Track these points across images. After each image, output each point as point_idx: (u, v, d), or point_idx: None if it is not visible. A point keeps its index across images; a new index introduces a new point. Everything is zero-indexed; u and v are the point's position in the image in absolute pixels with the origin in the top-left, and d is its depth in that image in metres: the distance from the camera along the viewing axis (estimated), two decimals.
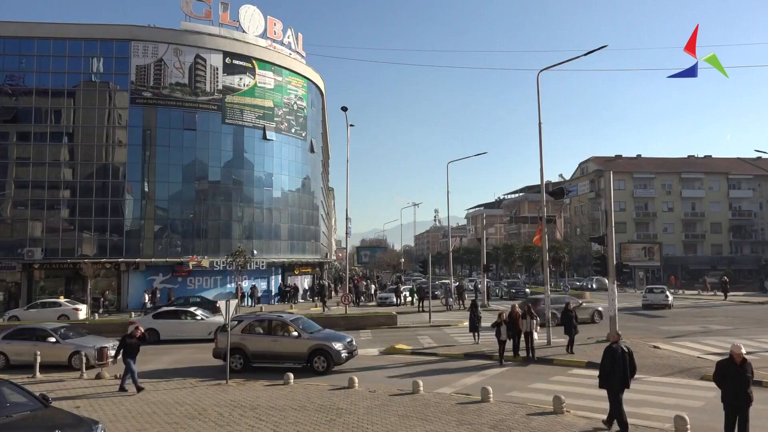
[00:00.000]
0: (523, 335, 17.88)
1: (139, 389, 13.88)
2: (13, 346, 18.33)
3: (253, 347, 17.09)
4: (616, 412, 10.10)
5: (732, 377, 8.90)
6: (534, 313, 17.97)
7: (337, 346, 16.77)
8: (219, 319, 25.22)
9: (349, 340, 17.60)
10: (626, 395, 12.80)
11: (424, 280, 47.10)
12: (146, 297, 38.18)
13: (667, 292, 36.46)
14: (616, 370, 10.15)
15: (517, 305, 18.38)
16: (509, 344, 17.98)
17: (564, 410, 11.22)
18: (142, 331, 14.89)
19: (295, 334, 17.03)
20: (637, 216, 73.58)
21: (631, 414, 11.38)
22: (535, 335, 17.80)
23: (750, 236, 75.31)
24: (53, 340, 18.15)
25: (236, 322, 17.72)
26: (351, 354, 17.25)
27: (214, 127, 46.54)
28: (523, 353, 18.03)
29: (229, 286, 44.25)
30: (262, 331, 17.45)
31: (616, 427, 10.19)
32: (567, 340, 18.89)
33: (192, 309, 26.29)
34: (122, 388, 14.08)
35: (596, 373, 11.04)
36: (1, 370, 17.64)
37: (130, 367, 14.02)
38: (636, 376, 14.70)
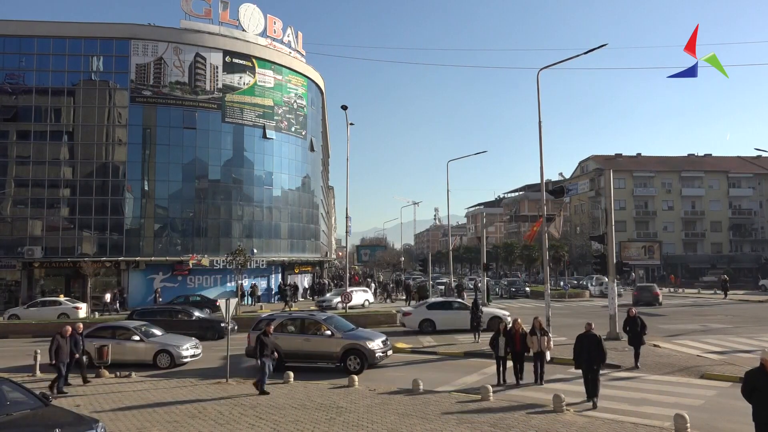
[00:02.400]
0: (532, 354, 14.11)
1: (263, 392, 13.28)
2: (96, 344, 17.75)
3: (286, 346, 16.53)
4: (588, 387, 12.19)
5: (764, 390, 7.50)
6: (545, 329, 14.48)
7: (372, 345, 16.33)
8: (494, 309, 26.25)
9: (383, 339, 17.12)
10: (626, 394, 12.98)
11: (423, 279, 47.13)
12: (108, 296, 37.55)
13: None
14: (583, 352, 12.26)
15: (519, 320, 14.87)
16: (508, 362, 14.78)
17: (564, 409, 11.22)
18: (272, 329, 14.66)
19: (328, 333, 16.57)
20: (637, 214, 73.58)
21: (631, 412, 11.42)
22: (548, 355, 14.18)
23: (750, 235, 75.32)
24: (137, 338, 17.95)
25: (268, 321, 17.42)
26: (386, 354, 16.79)
27: (214, 126, 46.53)
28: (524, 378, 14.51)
29: (229, 285, 44.26)
30: (294, 330, 17.07)
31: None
32: (633, 353, 15.89)
33: (461, 300, 27.73)
34: (263, 391, 13.33)
35: None
36: (99, 368, 17.16)
37: (266, 368, 13.56)
38: (636, 374, 14.96)
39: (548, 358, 14.17)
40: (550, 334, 14.57)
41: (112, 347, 17.83)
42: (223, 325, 21.95)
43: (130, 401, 12.90)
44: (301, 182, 54.29)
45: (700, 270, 68.53)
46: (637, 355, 15.75)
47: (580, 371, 12.58)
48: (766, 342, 20.20)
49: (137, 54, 44.72)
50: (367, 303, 38.86)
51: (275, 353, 14.21)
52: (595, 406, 11.71)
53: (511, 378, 14.38)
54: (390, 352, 17.32)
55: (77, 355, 14.55)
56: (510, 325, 15.01)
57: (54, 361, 13.73)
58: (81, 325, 15.70)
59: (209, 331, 24.08)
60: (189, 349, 18.11)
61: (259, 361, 13.63)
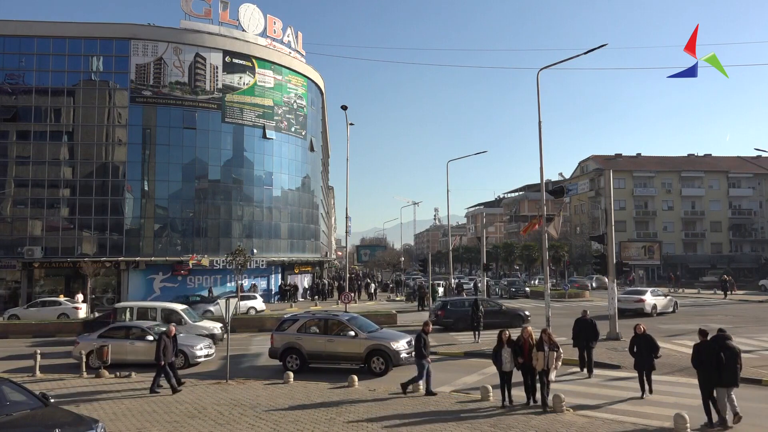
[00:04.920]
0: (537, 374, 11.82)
1: (430, 392, 12.80)
2: (96, 344, 17.66)
3: (309, 347, 16.45)
4: (582, 361, 15.21)
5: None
6: (554, 342, 11.81)
7: (396, 346, 16.02)
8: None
9: (408, 339, 16.81)
10: (626, 394, 13.00)
11: (423, 279, 47.12)
12: (79, 297, 36.90)
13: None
14: (581, 333, 15.28)
15: (529, 327, 12.38)
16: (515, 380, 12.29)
17: (564, 409, 11.22)
18: (431, 326, 14.50)
19: (352, 333, 16.33)
20: (636, 215, 73.58)
21: (631, 412, 11.43)
22: (552, 375, 11.70)
23: (750, 235, 75.33)
24: (151, 338, 17.63)
25: (292, 321, 17.39)
26: (410, 354, 16.26)
27: (214, 126, 46.54)
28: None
29: (229, 285, 44.25)
30: (317, 331, 16.82)
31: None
32: (639, 379, 12.77)
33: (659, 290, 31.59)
34: (430, 392, 12.87)
35: (597, 371, 15.30)
36: (98, 368, 16.86)
37: (425, 368, 13.05)
38: (635, 375, 14.89)
39: (552, 378, 11.70)
40: (560, 350, 11.91)
41: (126, 347, 17.82)
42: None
43: (129, 401, 12.90)
44: (301, 182, 54.29)
45: (700, 270, 68.53)
46: (649, 382, 12.64)
47: (582, 372, 14.72)
48: (765, 342, 20.20)
49: (137, 54, 44.72)
50: (253, 312, 34.12)
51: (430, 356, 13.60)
52: (589, 376, 14.76)
53: (518, 399, 12.04)
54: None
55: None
56: (516, 334, 12.68)
57: (162, 362, 13.57)
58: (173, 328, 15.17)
59: (516, 319, 25.16)
60: (203, 348, 17.93)
61: (422, 361, 13.02)
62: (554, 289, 44.76)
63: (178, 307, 22.93)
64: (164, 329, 18.92)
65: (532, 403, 11.83)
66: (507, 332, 12.23)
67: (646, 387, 12.63)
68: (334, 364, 16.49)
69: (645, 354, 12.43)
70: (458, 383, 14.72)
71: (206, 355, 18.04)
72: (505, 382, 11.93)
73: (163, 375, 13.75)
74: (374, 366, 16.00)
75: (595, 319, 16.18)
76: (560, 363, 12.01)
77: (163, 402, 12.77)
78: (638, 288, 35.99)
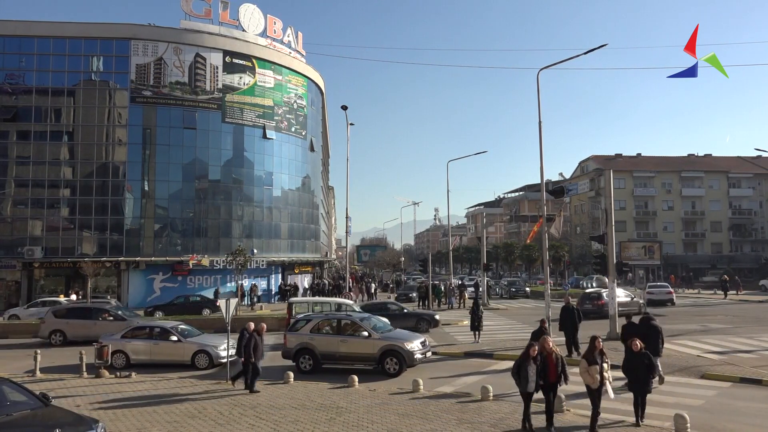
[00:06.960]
0: (588, 391, 10.13)
1: (529, 397, 12.43)
2: (133, 344, 17.78)
3: (323, 348, 16.34)
4: (569, 344, 17.30)
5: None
6: (604, 352, 10.19)
7: (410, 346, 15.88)
8: None
9: (422, 339, 16.76)
10: (626, 394, 12.93)
11: (423, 278, 47.14)
12: (73, 297, 36.13)
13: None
14: (567, 319, 17.69)
15: (548, 338, 10.69)
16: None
17: (564, 409, 11.21)
18: (546, 323, 14.58)
19: (365, 333, 16.20)
20: (637, 215, 73.55)
21: (631, 413, 11.37)
22: (610, 390, 10.11)
23: (750, 235, 75.29)
24: (175, 338, 17.70)
25: (305, 321, 17.28)
26: (425, 355, 16.36)
27: (214, 126, 46.55)
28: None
29: (229, 285, 44.24)
30: (330, 331, 16.72)
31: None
32: (634, 403, 10.57)
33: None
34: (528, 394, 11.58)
35: None
36: (122, 368, 16.99)
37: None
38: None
39: (611, 395, 10.06)
40: (608, 361, 10.24)
41: (150, 348, 17.77)
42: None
43: (130, 401, 12.90)
44: (301, 182, 54.30)
45: (700, 270, 68.49)
46: (642, 406, 10.55)
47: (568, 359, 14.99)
48: (765, 342, 20.19)
49: (137, 54, 44.72)
50: None
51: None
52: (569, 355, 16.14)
53: (537, 421, 10.35)
54: (429, 354, 16.76)
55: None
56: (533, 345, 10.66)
57: (252, 359, 13.54)
58: (253, 325, 14.67)
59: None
60: (226, 349, 17.72)
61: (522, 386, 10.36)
62: (554, 289, 44.76)
63: (349, 302, 25.06)
64: (185, 327, 18.84)
65: (553, 429, 10.14)
66: (536, 346, 10.25)
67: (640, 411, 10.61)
68: (347, 365, 16.29)
69: (641, 375, 10.50)
70: (458, 383, 14.72)
71: (231, 355, 17.92)
72: (529, 405, 10.30)
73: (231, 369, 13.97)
74: (388, 367, 15.85)
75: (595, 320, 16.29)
76: (610, 375, 10.23)
77: (164, 402, 12.77)
78: (661, 283, 41.72)
